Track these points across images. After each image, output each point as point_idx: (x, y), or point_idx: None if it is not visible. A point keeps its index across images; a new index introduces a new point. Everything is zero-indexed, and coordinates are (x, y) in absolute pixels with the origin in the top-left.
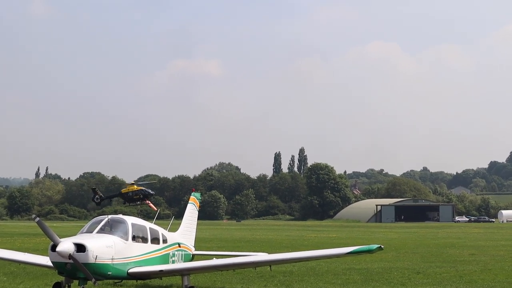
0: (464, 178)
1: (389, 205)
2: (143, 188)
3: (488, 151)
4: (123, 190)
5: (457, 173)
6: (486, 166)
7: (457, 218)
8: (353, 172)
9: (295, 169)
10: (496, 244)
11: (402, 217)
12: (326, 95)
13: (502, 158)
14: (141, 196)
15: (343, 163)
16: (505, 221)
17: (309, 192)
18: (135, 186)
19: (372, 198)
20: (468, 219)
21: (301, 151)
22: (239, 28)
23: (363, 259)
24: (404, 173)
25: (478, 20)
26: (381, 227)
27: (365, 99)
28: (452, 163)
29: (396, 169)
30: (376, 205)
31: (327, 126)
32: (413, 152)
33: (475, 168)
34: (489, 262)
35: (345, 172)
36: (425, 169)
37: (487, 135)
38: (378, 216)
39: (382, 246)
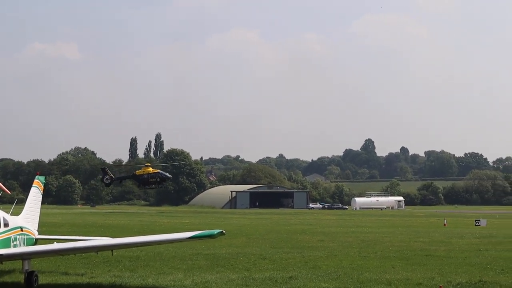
0: (319, 166)
1: (244, 191)
2: (160, 171)
3: (343, 139)
4: (138, 172)
5: (312, 160)
6: (341, 154)
7: (310, 205)
8: (210, 158)
9: (152, 154)
10: (346, 231)
11: (257, 203)
12: (183, 81)
13: (357, 146)
14: (158, 180)
15: (200, 149)
16: (358, 208)
17: None
18: (151, 169)
19: (227, 184)
20: (321, 206)
21: (158, 136)
22: (93, 11)
23: (211, 245)
24: (260, 160)
25: (337, 11)
26: (235, 213)
27: (223, 88)
28: (307, 151)
29: (252, 156)
30: (231, 191)
31: (183, 113)
32: (269, 139)
33: (330, 156)
34: (336, 248)
35: (201, 158)
36: (281, 156)
37: (342, 123)
38: (233, 202)
39: (223, 231)
